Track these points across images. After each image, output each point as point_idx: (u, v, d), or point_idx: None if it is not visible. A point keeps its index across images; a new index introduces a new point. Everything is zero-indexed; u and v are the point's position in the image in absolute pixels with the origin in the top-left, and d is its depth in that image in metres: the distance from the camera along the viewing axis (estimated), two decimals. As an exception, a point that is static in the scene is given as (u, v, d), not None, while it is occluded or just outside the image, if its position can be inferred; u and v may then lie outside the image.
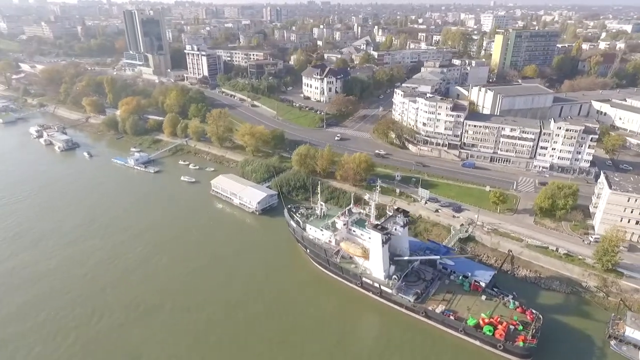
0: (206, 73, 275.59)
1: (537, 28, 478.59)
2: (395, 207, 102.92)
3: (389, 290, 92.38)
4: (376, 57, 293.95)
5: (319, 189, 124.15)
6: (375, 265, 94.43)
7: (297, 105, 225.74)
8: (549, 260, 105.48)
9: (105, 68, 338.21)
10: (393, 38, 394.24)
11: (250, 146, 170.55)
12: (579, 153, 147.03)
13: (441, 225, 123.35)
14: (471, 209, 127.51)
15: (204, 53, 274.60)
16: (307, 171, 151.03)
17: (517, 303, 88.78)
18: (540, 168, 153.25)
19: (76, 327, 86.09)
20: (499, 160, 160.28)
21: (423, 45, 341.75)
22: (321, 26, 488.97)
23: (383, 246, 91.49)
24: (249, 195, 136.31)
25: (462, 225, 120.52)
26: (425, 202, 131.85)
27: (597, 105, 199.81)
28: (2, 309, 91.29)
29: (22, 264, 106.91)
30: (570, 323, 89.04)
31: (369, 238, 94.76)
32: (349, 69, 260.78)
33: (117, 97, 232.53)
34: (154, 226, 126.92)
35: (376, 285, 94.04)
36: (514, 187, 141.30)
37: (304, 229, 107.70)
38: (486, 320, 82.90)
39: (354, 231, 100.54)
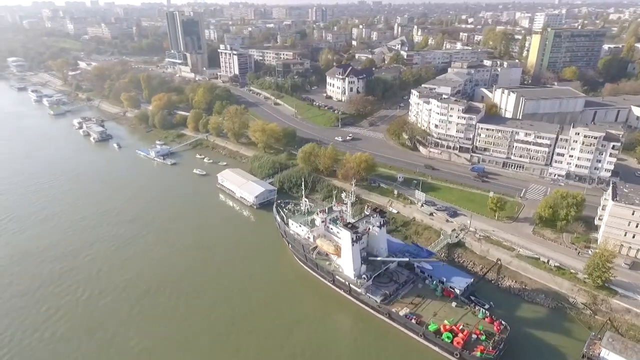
0: (237, 71, 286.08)
1: (602, 26, 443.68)
2: (373, 207, 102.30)
3: (358, 290, 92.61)
4: (405, 57, 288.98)
5: (312, 186, 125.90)
6: (345, 264, 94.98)
7: (317, 104, 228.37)
8: (538, 272, 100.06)
9: (150, 66, 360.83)
10: (429, 38, 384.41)
11: (261, 142, 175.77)
12: (599, 162, 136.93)
13: (433, 229, 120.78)
14: (468, 215, 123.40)
15: (235, 52, 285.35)
16: (310, 169, 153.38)
17: (486, 313, 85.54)
18: (556, 176, 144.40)
19: (67, 298, 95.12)
20: (511, 166, 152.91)
21: (458, 46, 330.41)
22: (360, 26, 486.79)
23: (353, 245, 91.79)
24: (249, 189, 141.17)
25: (453, 230, 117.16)
26: (422, 205, 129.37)
27: (637, 111, 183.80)
28: (13, 283, 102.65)
29: (36, 241, 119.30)
30: (546, 339, 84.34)
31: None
32: (374, 69, 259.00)
33: (152, 93, 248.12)
34: (153, 212, 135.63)
35: (346, 283, 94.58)
36: (521, 194, 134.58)
37: (287, 224, 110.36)
38: (447, 327, 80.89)
39: (331, 229, 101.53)
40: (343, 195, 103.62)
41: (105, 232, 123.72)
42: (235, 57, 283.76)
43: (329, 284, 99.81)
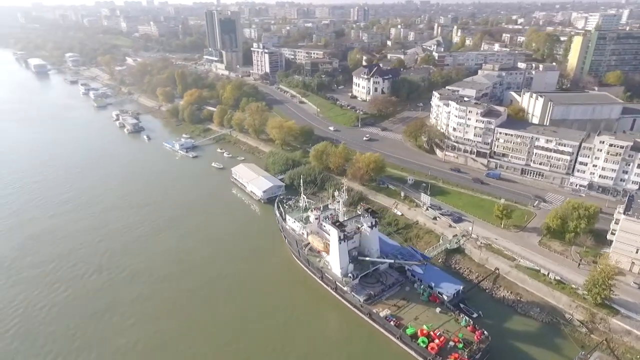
0: (268, 70, 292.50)
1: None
2: (365, 208, 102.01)
3: (344, 288, 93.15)
4: (436, 58, 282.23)
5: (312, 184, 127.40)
6: (333, 261, 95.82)
7: (339, 103, 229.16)
8: (536, 285, 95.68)
9: (189, 63, 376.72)
10: (467, 39, 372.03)
11: (278, 139, 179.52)
12: (626, 173, 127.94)
13: (434, 233, 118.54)
14: (473, 221, 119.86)
15: (266, 51, 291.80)
16: (321, 167, 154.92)
17: (469, 321, 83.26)
18: (577, 186, 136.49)
19: (72, 278, 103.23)
20: (530, 173, 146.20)
21: (496, 47, 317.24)
22: (399, 26, 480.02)
23: (340, 243, 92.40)
24: (258, 184, 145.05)
25: (455, 236, 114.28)
26: (427, 209, 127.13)
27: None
28: (27, 257, 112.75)
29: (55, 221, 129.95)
30: (531, 353, 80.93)
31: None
32: (402, 69, 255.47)
33: (185, 89, 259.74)
34: (166, 201, 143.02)
35: (333, 281, 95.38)
36: (535, 203, 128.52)
37: (285, 219, 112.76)
38: (425, 332, 79.72)
39: (324, 226, 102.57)
40: (336, 193, 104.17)
41: (119, 216, 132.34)
42: (267, 56, 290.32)
43: (318, 280, 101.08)
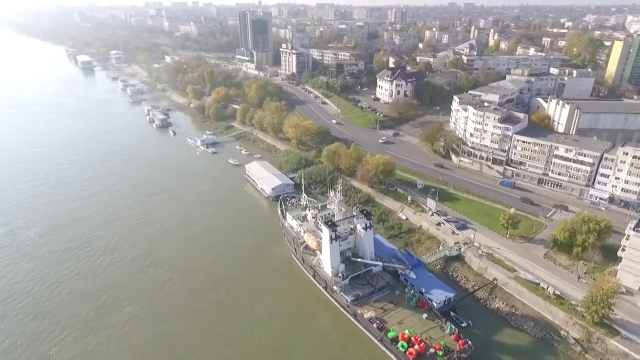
0: (294, 70, 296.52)
1: None
2: (360, 209, 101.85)
3: (334, 287, 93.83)
4: (465, 61, 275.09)
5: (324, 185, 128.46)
6: (325, 260, 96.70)
7: (361, 105, 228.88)
8: (534, 298, 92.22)
9: (222, 62, 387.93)
10: (502, 42, 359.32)
11: (294, 138, 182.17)
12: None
13: (436, 239, 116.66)
14: (478, 229, 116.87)
15: (294, 52, 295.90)
16: (332, 167, 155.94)
17: (454, 329, 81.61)
18: (597, 199, 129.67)
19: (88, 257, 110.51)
20: (548, 183, 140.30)
21: (531, 51, 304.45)
22: (434, 29, 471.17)
23: (332, 242, 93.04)
24: (268, 181, 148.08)
25: (456, 243, 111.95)
26: (432, 214, 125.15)
27: None
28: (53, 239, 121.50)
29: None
30: (517, 368, 78.33)
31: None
32: (428, 72, 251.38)
33: (214, 87, 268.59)
34: (180, 193, 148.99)
35: (324, 279, 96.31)
36: (547, 214, 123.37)
37: (285, 217, 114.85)
38: (406, 336, 79.01)
39: (320, 225, 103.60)
40: (331, 193, 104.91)
41: (134, 205, 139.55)
42: (294, 56, 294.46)
43: (311, 278, 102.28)
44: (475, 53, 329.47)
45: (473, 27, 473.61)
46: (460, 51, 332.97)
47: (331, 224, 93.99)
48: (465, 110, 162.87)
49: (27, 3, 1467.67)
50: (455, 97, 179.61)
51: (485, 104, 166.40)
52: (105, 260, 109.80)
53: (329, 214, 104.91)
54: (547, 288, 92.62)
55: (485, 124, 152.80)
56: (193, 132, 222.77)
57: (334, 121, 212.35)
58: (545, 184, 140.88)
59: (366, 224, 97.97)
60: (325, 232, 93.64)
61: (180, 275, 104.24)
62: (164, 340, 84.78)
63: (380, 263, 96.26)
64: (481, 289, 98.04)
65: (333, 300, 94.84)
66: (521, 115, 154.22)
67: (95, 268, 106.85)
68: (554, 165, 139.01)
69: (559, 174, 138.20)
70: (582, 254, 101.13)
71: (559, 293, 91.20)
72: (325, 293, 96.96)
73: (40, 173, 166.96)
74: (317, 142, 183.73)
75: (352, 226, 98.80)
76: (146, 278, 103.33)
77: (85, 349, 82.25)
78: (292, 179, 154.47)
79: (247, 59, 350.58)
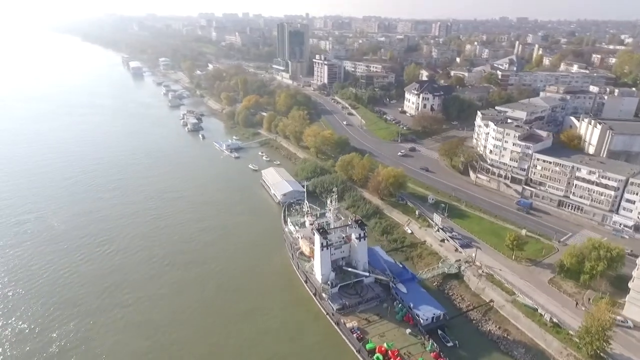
0: (326, 81, 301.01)
1: None
2: (355, 219, 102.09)
3: (322, 294, 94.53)
4: (499, 77, 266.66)
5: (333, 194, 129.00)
6: (316, 267, 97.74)
7: (385, 117, 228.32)
8: (529, 324, 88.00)
9: (261, 71, 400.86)
10: (544, 58, 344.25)
11: (313, 147, 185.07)
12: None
13: (438, 255, 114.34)
14: (484, 248, 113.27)
15: (326, 62, 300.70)
16: (345, 177, 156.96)
17: (436, 347, 79.60)
18: (620, 226, 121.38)
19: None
20: (568, 206, 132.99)
21: (574, 68, 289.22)
22: (475, 43, 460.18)
23: (322, 250, 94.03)
24: (280, 187, 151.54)
25: (457, 260, 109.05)
26: (437, 230, 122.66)
27: None
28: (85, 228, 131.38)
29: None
30: (498, 394, 75.02)
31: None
32: (458, 87, 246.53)
33: (247, 95, 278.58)
34: (197, 194, 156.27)
35: (314, 286, 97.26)
36: (562, 238, 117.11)
37: (286, 222, 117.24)
38: (383, 349, 78.25)
39: (313, 231, 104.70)
40: (328, 201, 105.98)
41: (151, 203, 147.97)
42: (326, 67, 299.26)
43: (303, 284, 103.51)
44: (514, 68, 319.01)
45: (517, 42, 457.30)
46: (499, 66, 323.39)
47: (323, 231, 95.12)
48: (487, 126, 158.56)
49: (93, 12, 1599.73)
50: (479, 113, 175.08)
51: (509, 121, 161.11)
52: (115, 252, 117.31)
53: (326, 221, 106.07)
54: (545, 315, 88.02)
55: (505, 141, 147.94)
56: (221, 136, 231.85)
57: (363, 128, 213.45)
58: (565, 207, 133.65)
59: (360, 234, 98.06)
60: (317, 239, 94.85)
61: (180, 272, 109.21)
62: (150, 330, 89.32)
63: (367, 274, 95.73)
64: (475, 310, 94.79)
65: (321, 307, 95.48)
66: (544, 134, 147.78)
67: (105, 259, 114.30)
68: (575, 187, 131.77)
69: (581, 197, 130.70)
70: (589, 282, 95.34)
71: (557, 321, 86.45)
72: (315, 299, 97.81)
73: (77, 168, 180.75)
74: (337, 152, 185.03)
75: (344, 235, 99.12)
76: (149, 272, 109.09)
77: (85, 335, 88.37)
78: (305, 186, 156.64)
79: (282, 68, 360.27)
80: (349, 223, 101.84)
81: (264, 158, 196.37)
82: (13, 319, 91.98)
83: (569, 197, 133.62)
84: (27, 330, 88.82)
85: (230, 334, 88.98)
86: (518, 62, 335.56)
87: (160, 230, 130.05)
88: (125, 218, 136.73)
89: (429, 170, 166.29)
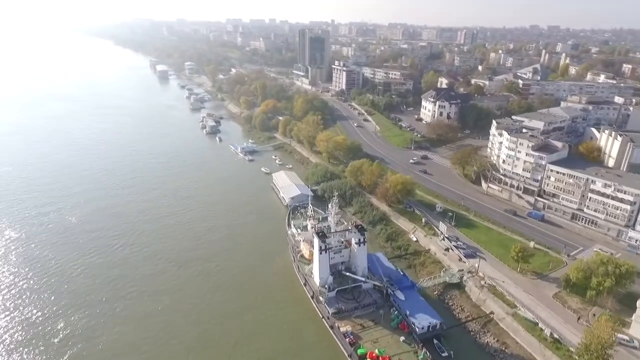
0: (344, 87, 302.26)
1: None
2: (355, 224, 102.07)
3: (320, 298, 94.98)
4: (520, 86, 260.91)
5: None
6: (314, 270, 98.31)
7: (400, 124, 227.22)
8: (528, 339, 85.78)
9: (281, 76, 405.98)
10: (570, 67, 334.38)
11: (325, 152, 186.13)
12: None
13: (441, 264, 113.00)
14: (489, 259, 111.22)
15: (344, 69, 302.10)
16: (355, 183, 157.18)
17: (428, 356, 78.61)
18: (637, 242, 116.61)
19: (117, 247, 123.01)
20: (582, 219, 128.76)
21: (601, 78, 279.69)
22: (500, 51, 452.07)
23: (321, 253, 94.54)
24: (289, 190, 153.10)
25: (460, 270, 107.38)
26: (443, 239, 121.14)
27: None
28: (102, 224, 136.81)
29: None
30: (490, 408, 73.34)
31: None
32: (477, 95, 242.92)
33: (265, 99, 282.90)
34: (208, 194, 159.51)
35: (312, 289, 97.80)
36: (572, 252, 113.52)
37: (289, 225, 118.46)
38: (374, 355, 77.94)
39: (312, 235, 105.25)
40: (329, 205, 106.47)
41: (163, 201, 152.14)
42: (344, 73, 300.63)
43: (303, 286, 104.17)
44: (538, 77, 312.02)
45: (544, 51, 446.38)
46: (522, 75, 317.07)
47: (322, 235, 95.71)
48: (501, 135, 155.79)
49: (125, 16, 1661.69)
50: (495, 122, 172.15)
51: (525, 130, 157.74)
52: (123, 247, 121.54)
53: (327, 225, 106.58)
54: (545, 329, 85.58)
55: (518, 151, 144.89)
56: (238, 139, 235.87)
57: (377, 134, 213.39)
58: (579, 220, 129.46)
59: (360, 239, 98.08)
60: (316, 242, 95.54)
61: (183, 269, 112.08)
62: (149, 324, 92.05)
63: (364, 279, 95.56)
64: (474, 321, 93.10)
65: (318, 310, 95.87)
66: (559, 144, 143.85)
67: (113, 253, 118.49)
68: (590, 200, 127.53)
69: (595, 210, 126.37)
70: (596, 299, 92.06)
71: (557, 336, 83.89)
72: (312, 302, 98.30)
73: (98, 167, 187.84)
74: (349, 158, 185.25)
75: (343, 239, 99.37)
76: (154, 267, 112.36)
77: (88, 325, 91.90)
78: (311, 190, 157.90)
79: (302, 74, 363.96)
80: (349, 228, 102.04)
81: (277, 162, 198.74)
82: (23, 307, 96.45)
83: (582, 210, 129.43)
84: (33, 318, 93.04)
85: (226, 331, 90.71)
86: (542, 71, 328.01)
87: (169, 227, 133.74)
88: (137, 215, 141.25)
89: (427, 172, 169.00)
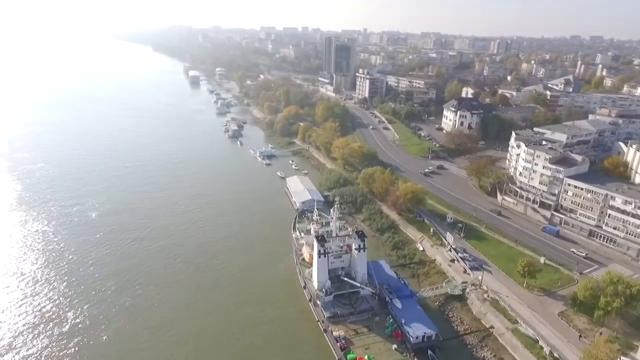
0: (367, 94, 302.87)
1: None
2: (356, 229, 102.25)
3: (317, 301, 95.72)
4: (548, 97, 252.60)
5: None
6: (313, 274, 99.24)
7: (419, 133, 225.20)
8: (527, 355, 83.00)
9: (307, 83, 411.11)
10: (606, 79, 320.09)
11: (341, 158, 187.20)
12: None
13: (445, 275, 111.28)
14: (495, 273, 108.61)
15: (368, 77, 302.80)
16: (367, 190, 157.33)
17: (419, 366, 77.80)
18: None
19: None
20: (600, 237, 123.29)
21: (639, 91, 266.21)
22: (532, 62, 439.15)
23: (320, 257, 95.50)
24: (300, 195, 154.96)
25: (463, 282, 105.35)
26: (450, 250, 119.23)
27: None
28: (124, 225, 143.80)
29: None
30: None
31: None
32: (501, 106, 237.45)
33: (288, 105, 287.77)
34: (224, 197, 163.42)
35: (310, 292, 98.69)
36: (584, 270, 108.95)
37: (294, 229, 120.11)
38: (363, 361, 77.93)
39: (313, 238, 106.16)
40: (332, 210, 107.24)
41: (178, 201, 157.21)
42: (367, 81, 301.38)
43: (303, 289, 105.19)
44: (570, 89, 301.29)
45: (579, 62, 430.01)
46: (553, 86, 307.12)
47: (321, 239, 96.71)
48: (519, 146, 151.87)
49: (163, 23, 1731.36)
50: (514, 133, 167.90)
51: (544, 143, 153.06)
52: (135, 243, 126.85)
53: (330, 230, 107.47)
54: (545, 348, 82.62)
55: (535, 163, 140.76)
56: (259, 144, 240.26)
57: (395, 143, 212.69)
58: (596, 238, 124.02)
59: (359, 245, 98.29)
60: (315, 246, 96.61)
61: (188, 266, 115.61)
62: (151, 317, 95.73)
63: (358, 284, 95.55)
64: (472, 334, 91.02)
65: (314, 314, 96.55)
66: (579, 158, 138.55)
67: (126, 249, 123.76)
68: (609, 217, 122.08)
69: (615, 228, 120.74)
70: (604, 319, 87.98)
71: (557, 355, 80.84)
72: (310, 305, 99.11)
73: (121, 166, 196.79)
74: (364, 165, 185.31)
75: (342, 244, 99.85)
76: (161, 264, 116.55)
77: (94, 314, 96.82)
78: (326, 196, 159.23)
79: (327, 81, 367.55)
80: (350, 233, 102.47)
81: (293, 167, 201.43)
82: (37, 296, 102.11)
83: (601, 228, 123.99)
84: (45, 308, 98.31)
85: (222, 325, 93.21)
86: (575, 83, 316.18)
87: (181, 226, 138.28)
88: (152, 214, 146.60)
89: (428, 174, 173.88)
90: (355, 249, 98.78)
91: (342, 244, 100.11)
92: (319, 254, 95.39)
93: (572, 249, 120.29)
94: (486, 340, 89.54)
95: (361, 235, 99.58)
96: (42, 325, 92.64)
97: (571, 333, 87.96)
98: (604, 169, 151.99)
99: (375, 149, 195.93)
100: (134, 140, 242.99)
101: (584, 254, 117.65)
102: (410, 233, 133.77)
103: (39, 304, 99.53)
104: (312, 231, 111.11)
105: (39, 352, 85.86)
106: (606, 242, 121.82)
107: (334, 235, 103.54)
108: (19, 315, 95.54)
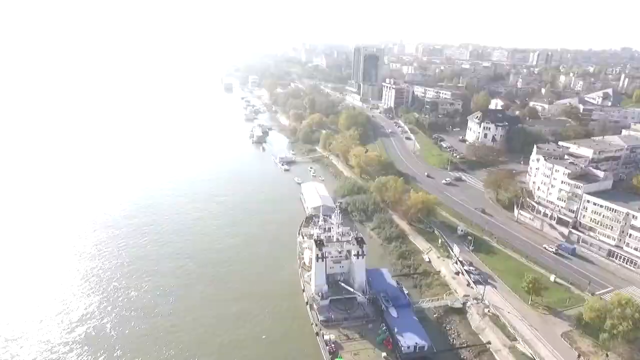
0: (392, 104, 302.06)
1: None
2: (356, 236, 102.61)
3: (313, 305, 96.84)
4: (581, 111, 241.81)
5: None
6: (311, 278, 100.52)
7: (441, 144, 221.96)
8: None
9: (336, 92, 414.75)
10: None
11: (357, 167, 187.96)
12: None
13: (447, 287, 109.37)
14: (501, 288, 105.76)
15: (393, 87, 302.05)
16: (379, 199, 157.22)
17: (405, 376, 77.12)
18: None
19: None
20: (619, 257, 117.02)
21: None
22: (571, 74, 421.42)
23: (317, 261, 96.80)
24: (313, 201, 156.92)
25: (465, 296, 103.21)
26: (456, 262, 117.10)
27: None
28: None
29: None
30: None
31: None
32: (528, 119, 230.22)
33: (313, 113, 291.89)
34: (240, 200, 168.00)
35: (307, 296, 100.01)
36: (597, 291, 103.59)
37: (300, 233, 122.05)
38: (349, 367, 78.19)
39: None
40: (332, 215, 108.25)
41: (195, 203, 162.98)
42: (393, 91, 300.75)
43: (301, 292, 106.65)
44: (609, 103, 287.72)
45: (623, 75, 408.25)
46: (591, 100, 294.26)
47: (319, 243, 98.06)
48: (538, 160, 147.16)
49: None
50: (536, 146, 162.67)
51: (566, 157, 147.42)
52: (148, 242, 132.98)
53: (331, 235, 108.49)
54: (541, 367, 79.69)
55: (554, 178, 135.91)
56: (281, 150, 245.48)
57: (403, 150, 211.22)
58: (616, 258, 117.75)
59: (358, 252, 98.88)
60: (313, 250, 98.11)
61: (196, 266, 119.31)
62: (153, 314, 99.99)
63: (351, 289, 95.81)
64: (468, 349, 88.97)
65: (310, 317, 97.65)
66: (600, 174, 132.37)
67: (140, 247, 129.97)
68: (630, 237, 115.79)
69: (636, 249, 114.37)
70: (609, 343, 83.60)
71: (553, 377, 77.70)
72: (307, 309, 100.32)
73: (145, 166, 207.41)
74: (381, 174, 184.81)
75: (340, 249, 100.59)
76: (169, 263, 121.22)
77: (101, 308, 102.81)
78: (340, 203, 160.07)
79: (354, 90, 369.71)
80: (349, 239, 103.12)
81: (311, 173, 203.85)
82: (52, 291, 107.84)
83: (621, 248, 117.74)
84: (58, 300, 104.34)
85: (222, 327, 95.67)
86: (615, 97, 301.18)
87: (193, 228, 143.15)
88: (170, 214, 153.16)
89: (430, 176, 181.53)
90: (354, 255, 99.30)
91: (341, 250, 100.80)
92: (317, 257, 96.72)
93: (544, 245, 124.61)
94: (481, 355, 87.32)
95: (360, 241, 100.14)
96: (51, 316, 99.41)
97: (573, 355, 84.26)
98: (632, 187, 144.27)
99: (391, 158, 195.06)
100: (168, 141, 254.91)
101: (553, 250, 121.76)
102: (419, 243, 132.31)
103: (50, 300, 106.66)
104: (314, 235, 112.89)
105: None
106: (626, 263, 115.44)
107: (334, 240, 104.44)
108: (34, 305, 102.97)
